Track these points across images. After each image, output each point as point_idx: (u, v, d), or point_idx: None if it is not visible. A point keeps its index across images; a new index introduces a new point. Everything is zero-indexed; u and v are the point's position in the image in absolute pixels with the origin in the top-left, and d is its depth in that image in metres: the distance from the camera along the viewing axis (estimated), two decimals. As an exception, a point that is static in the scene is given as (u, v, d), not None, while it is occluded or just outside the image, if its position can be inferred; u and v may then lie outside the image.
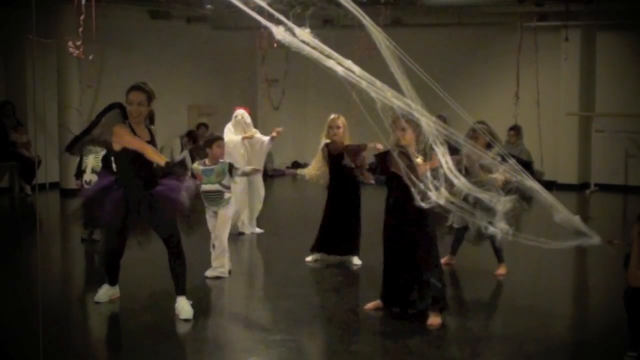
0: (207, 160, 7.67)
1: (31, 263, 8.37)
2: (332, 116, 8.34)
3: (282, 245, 9.56)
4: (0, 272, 8.13)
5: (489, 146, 6.81)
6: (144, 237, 6.52)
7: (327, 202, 8.50)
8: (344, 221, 8.31)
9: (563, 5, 13.13)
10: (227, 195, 7.67)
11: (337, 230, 8.35)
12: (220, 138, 7.85)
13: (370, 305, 6.61)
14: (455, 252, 8.21)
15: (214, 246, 7.75)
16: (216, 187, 7.61)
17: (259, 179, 10.04)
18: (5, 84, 13.70)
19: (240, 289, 7.70)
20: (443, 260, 8.01)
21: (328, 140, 8.33)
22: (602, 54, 14.49)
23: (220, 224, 7.66)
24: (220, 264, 7.69)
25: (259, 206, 10.07)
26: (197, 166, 7.71)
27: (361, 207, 8.35)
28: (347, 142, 8.25)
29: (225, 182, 7.62)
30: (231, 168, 7.65)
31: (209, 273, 7.66)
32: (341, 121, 8.28)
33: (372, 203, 7.72)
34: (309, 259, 8.45)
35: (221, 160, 7.66)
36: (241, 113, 9.85)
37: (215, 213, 7.68)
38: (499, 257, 7.85)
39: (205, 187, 7.61)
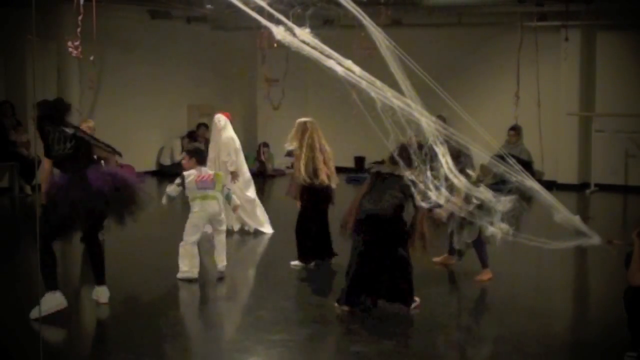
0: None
1: (31, 263, 8.36)
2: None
3: (281, 245, 9.54)
4: (0, 272, 8.13)
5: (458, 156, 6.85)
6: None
7: (301, 214, 8.36)
8: (314, 231, 8.25)
9: (563, 5, 13.11)
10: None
11: (311, 240, 8.28)
12: (187, 151, 7.90)
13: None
14: (453, 252, 8.18)
15: (212, 236, 7.81)
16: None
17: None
18: (5, 84, 13.69)
19: (240, 289, 7.70)
20: (441, 260, 8.05)
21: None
22: (602, 54, 14.48)
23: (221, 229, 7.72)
24: (222, 259, 7.70)
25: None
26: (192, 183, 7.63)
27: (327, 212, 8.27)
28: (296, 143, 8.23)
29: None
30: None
31: (220, 268, 7.67)
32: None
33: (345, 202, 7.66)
34: (294, 263, 8.32)
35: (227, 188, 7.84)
36: (217, 117, 9.91)
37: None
38: (483, 262, 7.71)
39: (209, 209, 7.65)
